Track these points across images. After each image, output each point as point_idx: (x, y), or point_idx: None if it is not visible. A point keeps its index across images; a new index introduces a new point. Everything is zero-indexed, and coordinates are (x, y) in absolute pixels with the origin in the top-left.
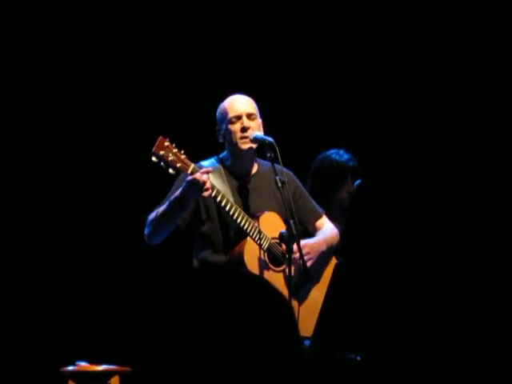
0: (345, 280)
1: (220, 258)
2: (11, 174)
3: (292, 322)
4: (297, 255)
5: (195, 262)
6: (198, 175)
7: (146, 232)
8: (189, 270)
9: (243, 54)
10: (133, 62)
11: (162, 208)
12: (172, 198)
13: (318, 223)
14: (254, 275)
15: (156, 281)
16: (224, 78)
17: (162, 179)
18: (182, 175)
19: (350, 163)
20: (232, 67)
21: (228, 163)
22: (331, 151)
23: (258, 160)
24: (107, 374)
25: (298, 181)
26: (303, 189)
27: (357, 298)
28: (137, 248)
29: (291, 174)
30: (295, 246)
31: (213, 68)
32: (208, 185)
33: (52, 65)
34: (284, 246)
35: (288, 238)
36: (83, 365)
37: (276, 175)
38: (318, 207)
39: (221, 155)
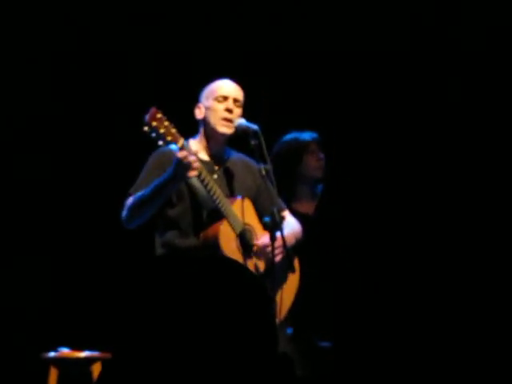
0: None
1: (189, 241)
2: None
3: (270, 310)
4: (269, 248)
5: (159, 247)
6: (185, 153)
7: (124, 216)
8: (156, 257)
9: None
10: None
11: (144, 192)
12: (157, 181)
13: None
14: (231, 261)
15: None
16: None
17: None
18: (155, 159)
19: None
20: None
21: (203, 143)
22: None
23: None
24: (89, 361)
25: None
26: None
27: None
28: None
29: (255, 163)
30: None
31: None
32: (196, 165)
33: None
34: (254, 236)
35: (272, 226)
36: (65, 351)
37: (259, 164)
38: (280, 200)
39: (197, 136)
